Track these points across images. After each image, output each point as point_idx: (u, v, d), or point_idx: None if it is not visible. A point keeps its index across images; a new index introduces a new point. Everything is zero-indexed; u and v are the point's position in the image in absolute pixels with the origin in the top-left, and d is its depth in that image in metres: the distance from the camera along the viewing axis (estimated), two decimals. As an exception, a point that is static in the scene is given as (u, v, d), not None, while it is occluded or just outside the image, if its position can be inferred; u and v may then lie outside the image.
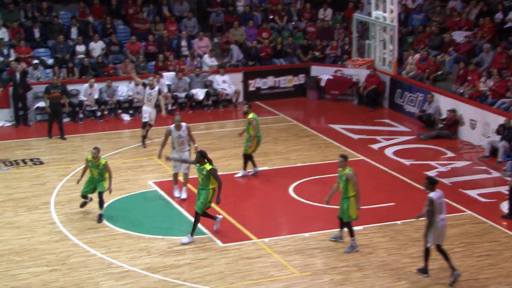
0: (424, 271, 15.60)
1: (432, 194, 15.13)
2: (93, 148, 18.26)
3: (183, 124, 19.50)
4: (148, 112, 23.70)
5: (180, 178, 19.89)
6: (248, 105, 21.23)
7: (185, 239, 17.06)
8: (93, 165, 18.19)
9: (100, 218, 18.23)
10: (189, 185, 19.71)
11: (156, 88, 23.98)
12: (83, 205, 18.67)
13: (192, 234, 17.11)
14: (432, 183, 15.30)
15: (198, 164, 16.99)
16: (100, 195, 18.18)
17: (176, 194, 19.80)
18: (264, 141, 24.05)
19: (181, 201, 19.54)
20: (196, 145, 19.93)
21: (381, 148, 23.83)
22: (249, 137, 20.83)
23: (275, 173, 21.53)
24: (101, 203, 18.22)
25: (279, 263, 16.41)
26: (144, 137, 23.90)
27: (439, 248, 15.42)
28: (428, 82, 27.05)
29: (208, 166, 16.85)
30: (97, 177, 18.28)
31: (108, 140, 24.45)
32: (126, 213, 18.88)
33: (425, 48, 28.52)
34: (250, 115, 20.73)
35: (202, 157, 16.95)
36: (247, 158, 21.15)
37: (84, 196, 18.52)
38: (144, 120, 23.77)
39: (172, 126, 19.53)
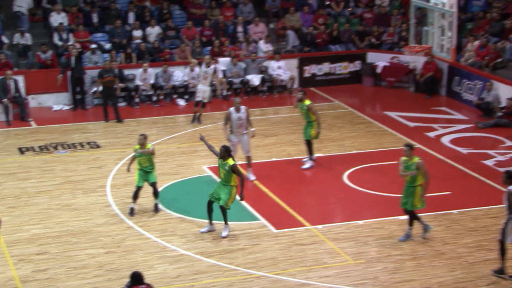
0: (501, 272, 15.01)
1: (511, 187, 14.82)
2: (139, 135, 18.12)
3: (243, 106, 19.65)
4: (202, 91, 24.39)
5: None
6: (303, 91, 21.06)
7: (224, 232, 16.83)
8: (140, 154, 17.91)
9: (156, 208, 18.27)
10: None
11: (212, 66, 24.73)
12: (131, 212, 18.12)
13: (226, 223, 16.85)
14: (510, 177, 14.89)
15: (221, 159, 16.68)
16: (153, 185, 18.15)
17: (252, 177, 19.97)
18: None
19: (237, 187, 19.56)
20: (253, 129, 20.06)
21: (437, 136, 23.63)
22: (308, 123, 20.59)
23: (329, 160, 21.49)
24: (155, 193, 18.23)
25: (332, 250, 16.41)
26: (196, 114, 24.69)
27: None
28: (487, 70, 26.70)
29: (231, 162, 16.52)
30: (146, 165, 17.90)
31: (163, 124, 24.65)
32: (180, 197, 19.03)
33: (484, 35, 28.14)
34: (307, 102, 20.59)
35: (226, 152, 16.61)
36: (310, 144, 20.93)
37: (138, 188, 18.17)
38: (197, 99, 24.54)
39: (232, 108, 19.67)
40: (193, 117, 24.84)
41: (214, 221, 17.01)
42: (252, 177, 20.03)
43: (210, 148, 17.42)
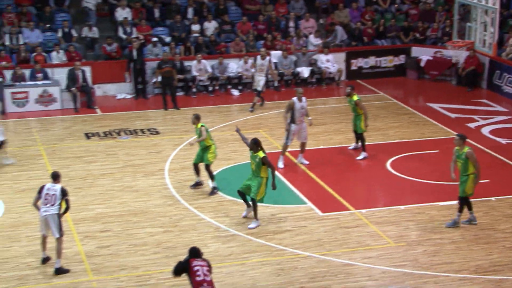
0: None
1: None
2: (192, 115, 18.65)
3: (304, 97, 19.79)
4: (257, 81, 24.90)
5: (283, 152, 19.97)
6: (351, 87, 20.82)
7: (252, 224, 16.58)
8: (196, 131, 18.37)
9: (213, 191, 18.36)
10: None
11: (267, 58, 25.06)
12: (194, 185, 18.65)
13: (256, 217, 16.65)
14: None
15: (251, 151, 16.46)
16: (207, 167, 18.24)
17: (281, 165, 19.95)
18: (365, 117, 24.04)
19: (285, 172, 19.64)
20: (310, 118, 20.20)
21: (477, 127, 23.36)
22: (356, 116, 20.41)
23: (374, 148, 21.37)
24: (210, 175, 18.33)
25: (375, 233, 16.38)
26: (255, 103, 25.06)
27: None
28: (528, 64, 26.36)
29: (261, 154, 16.25)
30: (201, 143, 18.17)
31: (219, 113, 24.75)
32: (233, 182, 19.03)
33: (525, 31, 27.75)
34: (355, 97, 20.41)
35: (255, 144, 16.38)
36: (359, 135, 20.76)
37: (193, 165, 18.54)
38: (257, 88, 25.02)
39: (295, 98, 19.72)
40: (252, 105, 25.19)
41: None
42: (305, 161, 20.13)
43: (244, 140, 17.21)
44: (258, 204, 16.55)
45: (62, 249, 14.61)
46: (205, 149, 18.19)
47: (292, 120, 19.70)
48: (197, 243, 15.52)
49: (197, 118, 18.37)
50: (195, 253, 12.16)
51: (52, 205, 14.41)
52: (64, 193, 14.49)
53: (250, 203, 16.60)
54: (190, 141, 19.08)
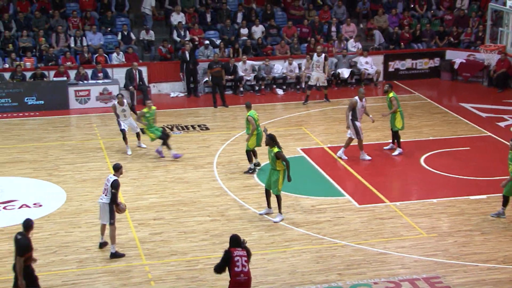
0: None
1: None
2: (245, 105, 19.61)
3: (365, 97, 19.88)
4: (315, 77, 25.18)
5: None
6: (389, 85, 20.67)
7: (277, 218, 16.34)
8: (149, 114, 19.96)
9: (248, 171, 19.06)
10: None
11: (323, 55, 25.24)
12: (256, 166, 19.34)
13: (280, 212, 16.36)
14: None
15: (268, 146, 16.24)
16: (246, 152, 19.11)
17: (366, 157, 20.02)
18: (400, 116, 23.78)
19: (325, 167, 19.54)
20: (371, 115, 20.25)
21: (507, 126, 23.00)
22: (392, 114, 20.21)
23: (408, 145, 21.17)
24: (248, 158, 19.05)
25: (408, 224, 16.23)
26: (308, 96, 25.45)
27: None
28: (556, 67, 25.90)
29: (275, 149, 16.00)
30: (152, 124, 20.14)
31: (264, 111, 24.69)
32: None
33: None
34: (391, 94, 20.26)
35: (271, 140, 16.18)
36: (395, 133, 20.49)
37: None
38: (310, 83, 25.30)
39: (357, 97, 19.73)
40: (306, 98, 25.46)
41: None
42: (345, 156, 20.04)
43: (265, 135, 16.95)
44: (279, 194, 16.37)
45: (115, 236, 14.69)
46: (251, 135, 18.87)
47: (355, 118, 19.62)
48: (242, 231, 15.55)
49: (247, 107, 19.22)
50: (236, 242, 12.00)
51: (106, 194, 14.52)
52: (112, 185, 14.44)
53: (271, 204, 16.52)
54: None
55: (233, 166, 19.47)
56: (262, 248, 14.99)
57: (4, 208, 17.15)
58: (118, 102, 20.52)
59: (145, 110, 20.17)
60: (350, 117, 19.69)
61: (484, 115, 24.18)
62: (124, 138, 20.51)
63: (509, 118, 23.84)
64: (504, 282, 13.85)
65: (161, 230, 15.93)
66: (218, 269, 11.92)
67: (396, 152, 20.45)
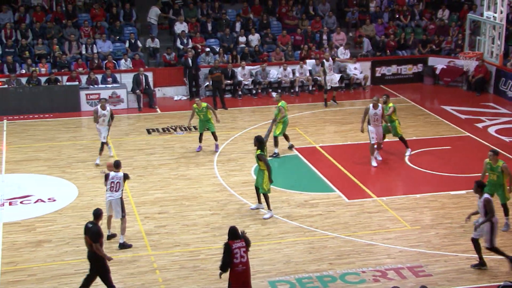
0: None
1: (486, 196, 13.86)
2: (195, 100, 20.34)
3: (380, 104, 19.23)
4: (330, 80, 25.15)
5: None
6: (387, 95, 20.09)
7: (266, 215, 16.18)
8: (198, 111, 20.05)
9: (273, 155, 19.76)
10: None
11: (330, 59, 25.26)
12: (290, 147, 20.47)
13: (269, 208, 16.19)
14: (480, 186, 13.94)
15: (255, 147, 16.11)
16: (214, 134, 20.12)
17: (373, 163, 19.40)
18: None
19: (317, 164, 19.50)
20: (388, 124, 19.65)
21: (484, 127, 22.99)
22: (392, 122, 19.73)
23: (394, 144, 21.12)
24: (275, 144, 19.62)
25: (394, 218, 16.23)
26: (326, 100, 25.36)
27: None
28: (529, 73, 25.91)
29: (258, 151, 15.87)
30: (204, 118, 20.07)
31: (261, 113, 24.65)
32: (272, 172, 18.96)
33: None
34: (391, 104, 19.76)
35: (257, 141, 16.05)
36: (402, 139, 20.08)
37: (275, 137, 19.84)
38: (327, 87, 25.14)
39: (370, 104, 19.22)
40: (325, 102, 25.41)
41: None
42: (379, 157, 19.73)
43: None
44: (268, 193, 16.17)
45: (126, 228, 14.69)
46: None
47: (369, 122, 19.27)
48: (240, 224, 15.54)
49: (277, 100, 20.01)
50: (234, 234, 11.89)
51: (116, 191, 14.51)
52: (126, 177, 14.69)
53: (261, 200, 16.39)
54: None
55: (232, 164, 19.45)
56: (259, 240, 14.96)
57: (21, 202, 17.13)
58: (100, 106, 19.42)
59: (194, 106, 20.30)
60: (365, 122, 19.27)
61: (463, 116, 24.15)
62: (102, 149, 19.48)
63: (486, 119, 23.82)
64: (482, 271, 13.86)
65: (165, 223, 15.92)
66: (224, 266, 11.71)
67: (407, 153, 20.09)
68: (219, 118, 20.72)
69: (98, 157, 19.50)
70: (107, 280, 12.49)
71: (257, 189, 16.39)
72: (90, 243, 12.29)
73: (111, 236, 14.93)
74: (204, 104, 20.06)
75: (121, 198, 14.63)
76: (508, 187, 15.49)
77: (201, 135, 20.52)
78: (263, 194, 16.15)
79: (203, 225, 15.76)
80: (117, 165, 14.78)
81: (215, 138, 20.38)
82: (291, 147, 20.57)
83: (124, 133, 22.66)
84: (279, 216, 16.18)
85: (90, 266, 12.60)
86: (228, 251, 11.72)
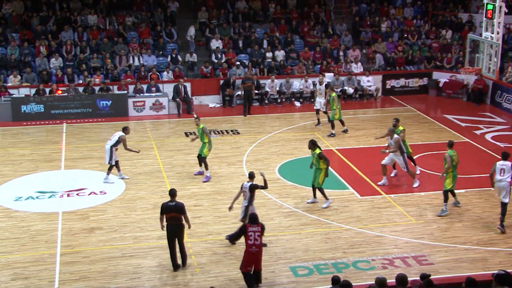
0: None
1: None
2: (194, 118, 18.81)
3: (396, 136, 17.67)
4: (319, 102, 23.26)
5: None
6: (397, 119, 18.23)
7: (324, 204, 16.35)
8: (197, 129, 18.41)
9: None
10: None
11: (324, 84, 23.68)
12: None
13: (326, 198, 16.36)
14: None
15: (310, 150, 16.24)
16: (203, 158, 18.17)
17: (415, 183, 17.86)
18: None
19: (334, 165, 19.27)
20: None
21: (482, 134, 22.76)
22: (404, 141, 18.04)
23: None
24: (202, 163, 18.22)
25: (400, 213, 16.14)
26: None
27: None
28: (522, 86, 25.60)
29: (317, 151, 16.04)
30: (200, 138, 18.33)
31: (284, 119, 24.67)
32: (293, 171, 19.02)
33: (521, 61, 26.99)
34: (401, 127, 18.06)
35: (312, 144, 16.18)
36: (410, 158, 18.51)
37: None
38: (316, 107, 23.59)
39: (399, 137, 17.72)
40: (318, 121, 23.77)
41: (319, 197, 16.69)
42: (416, 183, 17.97)
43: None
44: (322, 187, 16.37)
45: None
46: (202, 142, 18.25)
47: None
48: (265, 216, 15.59)
49: (198, 119, 18.46)
50: (252, 219, 12.30)
51: (245, 198, 14.20)
52: (253, 187, 14.18)
53: (317, 194, 16.44)
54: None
55: (259, 164, 19.45)
56: (281, 230, 14.97)
57: (77, 194, 17.34)
58: (126, 134, 18.49)
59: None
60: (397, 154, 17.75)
61: (463, 124, 23.93)
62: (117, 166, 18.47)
63: (483, 127, 23.58)
64: (478, 260, 13.76)
65: (200, 215, 15.98)
66: (232, 238, 12.57)
67: (417, 171, 18.76)
68: (218, 143, 19.08)
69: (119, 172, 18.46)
70: (183, 242, 13.29)
71: (313, 186, 16.42)
72: (179, 216, 13.01)
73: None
74: (201, 126, 18.19)
75: (246, 206, 14.22)
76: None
77: (199, 156, 18.43)
78: (318, 188, 16.25)
79: (233, 216, 15.70)
80: (250, 176, 14.35)
81: (205, 167, 18.26)
82: (345, 131, 22.04)
83: (165, 135, 22.80)
84: (299, 210, 16.17)
85: (177, 237, 13.09)
86: (242, 230, 12.26)
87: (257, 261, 12.25)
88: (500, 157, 16.02)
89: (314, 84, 26.97)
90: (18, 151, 20.93)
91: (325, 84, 23.67)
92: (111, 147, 17.94)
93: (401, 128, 18.30)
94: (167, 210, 13.16)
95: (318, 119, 23.48)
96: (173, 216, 13.10)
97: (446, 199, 16.06)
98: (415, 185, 17.87)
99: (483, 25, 27.70)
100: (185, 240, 14.52)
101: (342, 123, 22.40)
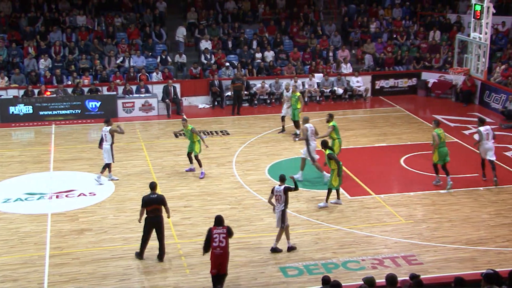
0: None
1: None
2: (182, 120, 18.87)
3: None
4: (286, 108, 22.80)
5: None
6: (436, 122, 18.19)
7: (321, 203, 16.39)
8: (185, 130, 18.55)
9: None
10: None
11: (290, 90, 23.09)
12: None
13: (326, 201, 16.36)
14: (282, 179, 13.99)
15: (323, 150, 16.32)
16: (196, 158, 18.43)
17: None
18: (384, 125, 23.74)
19: (324, 165, 19.44)
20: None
21: (471, 134, 22.82)
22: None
23: (391, 148, 21.15)
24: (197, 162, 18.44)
25: (390, 213, 16.18)
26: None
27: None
28: (510, 86, 25.72)
29: (327, 152, 16.10)
30: (189, 139, 18.46)
31: (274, 120, 24.65)
32: (283, 171, 18.86)
33: (508, 61, 27.13)
34: (435, 130, 17.68)
35: (323, 145, 16.28)
36: (436, 166, 17.98)
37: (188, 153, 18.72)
38: (283, 115, 23.06)
39: None
40: (282, 128, 23.59)
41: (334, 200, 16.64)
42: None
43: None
44: (334, 190, 16.33)
45: (280, 236, 14.05)
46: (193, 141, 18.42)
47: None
48: (255, 217, 15.61)
49: (186, 121, 18.61)
50: (217, 221, 12.11)
51: (279, 202, 13.96)
52: (287, 189, 13.92)
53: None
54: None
55: (249, 164, 19.46)
56: (271, 231, 14.93)
57: (66, 196, 17.27)
58: (110, 124, 18.40)
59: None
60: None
61: (452, 124, 24.02)
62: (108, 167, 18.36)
63: (472, 127, 23.66)
64: (467, 260, 13.81)
65: (190, 216, 15.97)
66: (204, 247, 11.99)
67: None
68: (207, 143, 18.98)
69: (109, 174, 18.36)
70: (163, 236, 13.55)
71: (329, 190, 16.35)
72: (160, 208, 13.37)
73: (291, 249, 14.17)
74: (189, 127, 18.26)
75: (283, 210, 13.90)
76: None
77: (189, 154, 18.65)
78: (329, 188, 16.21)
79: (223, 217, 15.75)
80: (281, 179, 13.97)
81: (199, 164, 18.43)
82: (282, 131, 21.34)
83: (154, 136, 22.76)
84: (289, 210, 16.09)
85: (157, 228, 13.42)
86: (208, 234, 11.99)
87: (222, 263, 11.96)
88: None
89: (303, 85, 27.09)
90: (6, 152, 20.83)
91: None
92: (111, 145, 17.98)
93: (332, 123, 18.26)
94: (149, 202, 13.44)
95: (283, 126, 22.83)
96: (155, 208, 13.42)
97: (436, 171, 17.58)
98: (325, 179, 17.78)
99: (471, 26, 27.85)
100: (175, 241, 14.55)
101: (297, 125, 21.47)
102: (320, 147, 16.67)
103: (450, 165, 18.20)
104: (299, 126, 21.22)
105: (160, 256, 13.67)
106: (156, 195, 13.50)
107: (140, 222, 13.59)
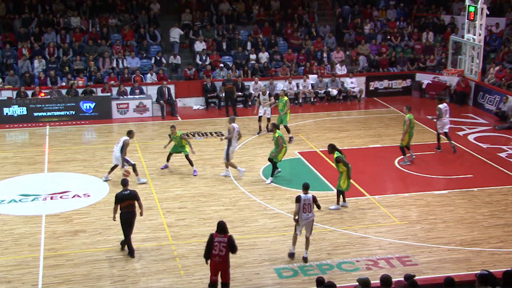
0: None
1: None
2: (170, 127, 18.84)
3: None
4: (263, 111, 22.82)
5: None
6: (408, 107, 19.81)
7: (332, 206, 16.32)
8: (173, 137, 18.72)
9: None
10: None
11: (267, 93, 23.19)
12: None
13: (337, 203, 16.33)
14: None
15: (330, 154, 16.35)
16: (187, 158, 18.75)
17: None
18: (378, 126, 23.77)
19: (318, 167, 19.45)
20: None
21: (465, 135, 22.91)
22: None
23: (385, 149, 21.16)
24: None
25: (384, 214, 16.18)
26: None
27: None
28: (504, 87, 25.79)
29: (335, 155, 16.07)
30: (177, 144, 18.72)
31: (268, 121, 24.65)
32: (278, 173, 19.02)
33: (502, 62, 27.21)
34: (407, 116, 19.25)
35: (331, 148, 16.24)
36: (403, 149, 19.54)
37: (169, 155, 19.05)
38: (259, 115, 23.19)
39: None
40: (259, 129, 23.32)
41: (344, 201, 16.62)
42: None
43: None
44: (345, 191, 16.32)
45: (309, 244, 13.85)
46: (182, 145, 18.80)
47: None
48: (249, 218, 15.59)
49: (175, 128, 18.78)
50: (220, 228, 11.64)
51: (309, 211, 13.62)
52: (314, 199, 13.72)
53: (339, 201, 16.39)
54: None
55: (243, 166, 19.40)
56: (266, 232, 14.95)
57: (61, 197, 17.22)
58: (131, 138, 18.33)
59: (169, 133, 19.27)
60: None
61: (446, 125, 24.07)
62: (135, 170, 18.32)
63: (466, 128, 23.74)
64: (461, 261, 13.82)
65: (184, 217, 15.93)
66: (204, 254, 11.67)
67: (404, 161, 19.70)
68: (194, 150, 18.87)
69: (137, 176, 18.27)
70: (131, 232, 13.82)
71: (337, 191, 16.33)
72: (134, 203, 13.62)
73: (291, 255, 13.91)
74: (178, 134, 18.66)
75: (313, 219, 13.71)
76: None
77: (170, 155, 18.98)
78: (338, 190, 16.18)
79: (217, 218, 15.46)
80: (305, 187, 13.73)
81: (190, 163, 18.74)
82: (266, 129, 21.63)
83: (149, 137, 22.72)
84: (284, 212, 16.16)
85: (129, 223, 13.61)
86: (209, 240, 11.61)
87: (222, 272, 11.69)
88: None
89: (298, 86, 27.11)
90: (0, 154, 20.76)
91: (269, 93, 23.19)
92: (120, 152, 17.83)
93: (407, 116, 19.20)
94: (123, 198, 13.65)
95: (260, 127, 22.78)
96: (129, 203, 13.65)
97: (404, 153, 19.34)
98: (240, 174, 18.25)
99: (465, 27, 27.90)
100: (169, 242, 14.54)
101: (287, 130, 21.57)
102: (328, 152, 16.37)
103: (445, 167, 18.26)
104: (289, 130, 21.54)
105: (131, 253, 13.82)
106: (128, 191, 13.73)
107: (114, 220, 13.75)
